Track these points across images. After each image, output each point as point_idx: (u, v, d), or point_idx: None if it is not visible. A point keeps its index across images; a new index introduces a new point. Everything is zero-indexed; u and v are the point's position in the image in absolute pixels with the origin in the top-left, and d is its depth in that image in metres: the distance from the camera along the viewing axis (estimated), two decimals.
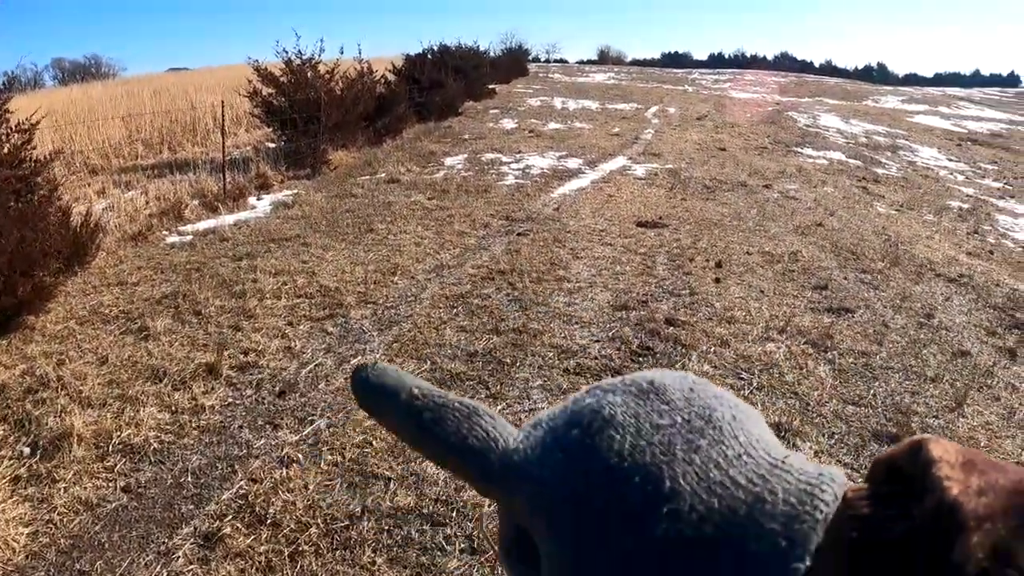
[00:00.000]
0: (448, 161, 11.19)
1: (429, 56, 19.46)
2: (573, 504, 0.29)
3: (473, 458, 0.33)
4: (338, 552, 2.63)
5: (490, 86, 24.32)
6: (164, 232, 6.87)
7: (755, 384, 3.96)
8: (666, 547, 0.26)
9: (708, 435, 0.29)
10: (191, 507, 2.90)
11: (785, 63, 74.88)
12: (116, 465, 3.17)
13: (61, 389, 3.80)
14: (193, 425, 3.47)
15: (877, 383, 4.04)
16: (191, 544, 2.68)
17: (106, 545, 2.69)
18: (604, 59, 78.31)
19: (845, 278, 5.87)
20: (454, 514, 2.83)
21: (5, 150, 4.96)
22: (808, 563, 0.25)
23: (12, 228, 4.55)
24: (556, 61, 72.72)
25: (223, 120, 9.46)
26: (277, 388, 3.83)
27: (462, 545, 2.68)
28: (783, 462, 0.28)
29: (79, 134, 11.40)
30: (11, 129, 5.09)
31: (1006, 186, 12.52)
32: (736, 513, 0.26)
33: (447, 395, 0.35)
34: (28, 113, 5.31)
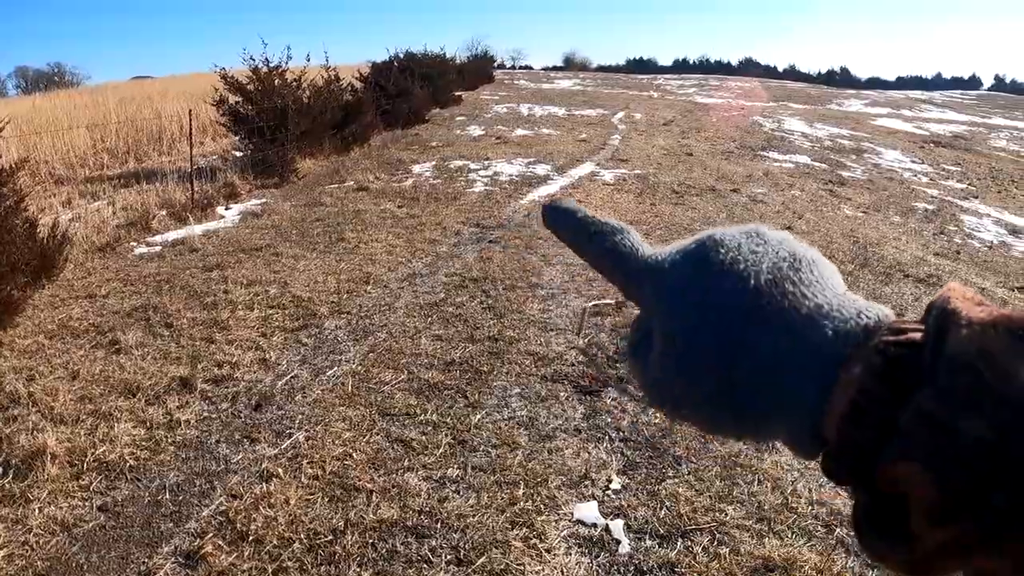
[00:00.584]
0: (416, 169, 11.16)
1: (395, 63, 19.41)
2: (686, 290, 0.40)
3: (621, 260, 0.45)
4: (323, 568, 2.61)
5: (456, 93, 24.34)
6: (132, 243, 6.76)
7: None
8: (746, 323, 0.36)
9: (790, 264, 0.38)
10: (170, 525, 2.85)
11: (749, 68, 75.80)
12: (92, 483, 3.11)
13: (32, 406, 3.72)
14: (169, 441, 3.42)
15: None
16: (172, 563, 2.64)
17: (84, 567, 2.64)
18: (570, 65, 78.72)
19: None
20: (438, 526, 2.83)
21: None
22: (848, 351, 0.33)
23: None
24: (522, 68, 72.90)
25: (190, 129, 9.36)
26: (253, 401, 3.79)
27: (448, 557, 2.67)
28: (844, 294, 0.37)
29: (44, 143, 11.20)
30: None
31: (969, 187, 12.81)
32: (799, 312, 0.36)
33: (608, 219, 0.47)
34: None
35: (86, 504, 2.98)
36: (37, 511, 2.91)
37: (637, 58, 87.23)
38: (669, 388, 0.40)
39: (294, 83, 11.13)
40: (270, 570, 2.58)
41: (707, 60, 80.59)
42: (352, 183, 9.82)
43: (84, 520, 2.88)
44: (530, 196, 9.22)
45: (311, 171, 10.71)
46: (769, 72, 74.95)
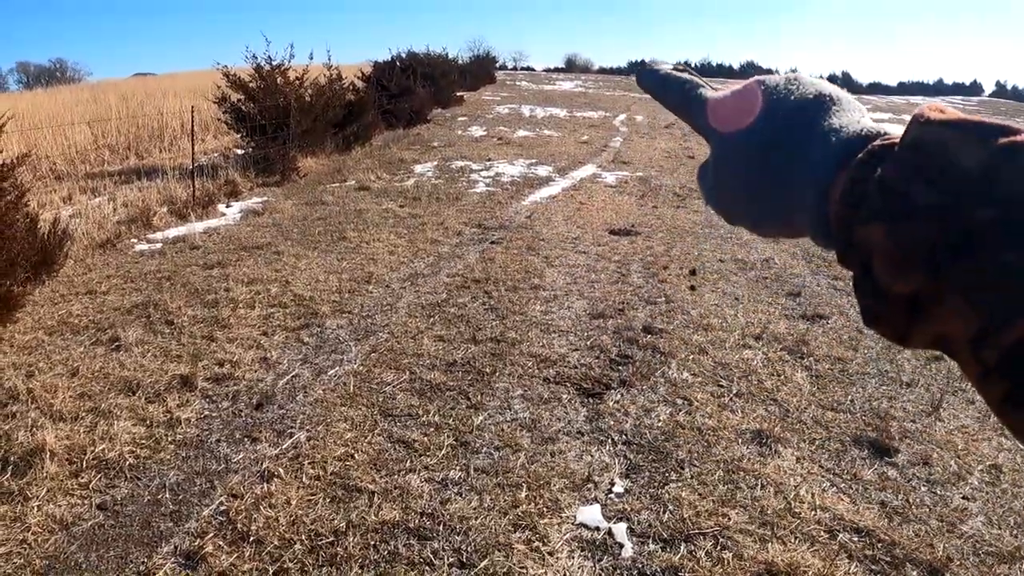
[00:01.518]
0: (418, 168, 11.15)
1: (398, 63, 19.39)
2: (737, 112, 0.48)
3: (688, 102, 0.55)
4: (324, 569, 2.58)
5: (458, 93, 24.33)
6: (133, 240, 6.74)
7: (734, 391, 3.99)
8: (776, 134, 0.45)
9: (815, 96, 0.45)
10: (170, 524, 2.83)
11: (751, 72, 75.45)
12: (91, 482, 3.09)
13: (31, 402, 3.70)
14: (169, 439, 3.39)
15: (854, 388, 4.09)
16: (172, 563, 2.61)
17: (83, 566, 2.61)
18: (571, 67, 78.53)
19: (818, 284, 5.94)
20: (441, 528, 2.80)
21: None
22: (845, 148, 0.40)
23: None
24: (523, 69, 72.69)
25: (192, 126, 9.33)
26: (254, 400, 3.77)
27: (450, 559, 2.65)
28: (858, 121, 0.43)
29: (45, 139, 11.18)
30: None
31: None
32: (816, 129, 0.43)
33: (681, 74, 0.58)
34: None
35: (85, 502, 2.96)
36: (36, 509, 2.89)
37: (639, 61, 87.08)
38: (721, 190, 0.50)
39: (296, 81, 11.11)
40: (271, 571, 2.56)
41: (709, 63, 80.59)
42: (354, 182, 9.81)
43: (83, 518, 2.86)
44: (532, 197, 9.21)
45: (313, 170, 10.69)
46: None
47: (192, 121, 9.90)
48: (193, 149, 9.16)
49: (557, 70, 73.17)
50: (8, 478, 3.08)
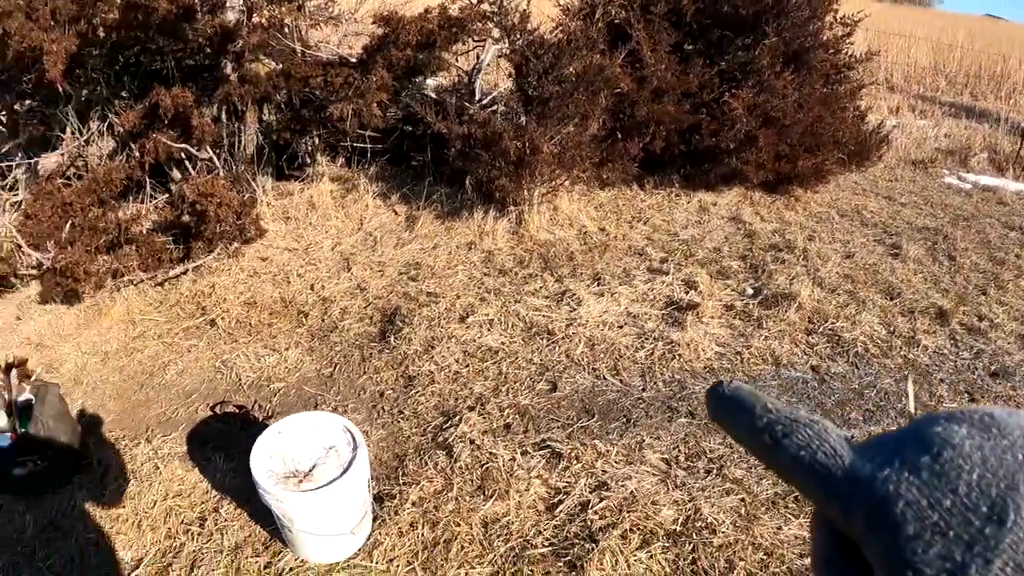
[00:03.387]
0: None
1: None
2: (919, 523, 0.31)
3: (821, 474, 0.35)
4: None
5: None
6: (944, 171, 6.63)
7: None
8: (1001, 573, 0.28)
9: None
10: (857, 416, 2.93)
11: None
12: (817, 344, 3.35)
13: (802, 258, 4.12)
14: (898, 352, 3.43)
15: None
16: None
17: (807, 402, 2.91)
18: None
19: None
20: None
21: (826, 36, 5.22)
22: None
23: (814, 105, 4.88)
24: None
25: None
26: (993, 367, 3.51)
27: None
28: None
29: (890, 49, 11.50)
30: (836, 19, 5.29)
31: None
32: None
33: (797, 410, 0.37)
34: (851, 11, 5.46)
35: (804, 356, 3.23)
36: (761, 339, 3.27)
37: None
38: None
39: None
40: None
41: None
42: None
43: (794, 366, 3.14)
44: None
45: None
46: None
47: None
48: None
49: None
50: (755, 304, 3.54)
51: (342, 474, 2.04)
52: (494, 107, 4.39)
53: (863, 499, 0.33)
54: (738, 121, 4.61)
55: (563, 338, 3.33)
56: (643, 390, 3.01)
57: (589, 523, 2.26)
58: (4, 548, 2.42)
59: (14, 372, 2.78)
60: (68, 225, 3.92)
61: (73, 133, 4.53)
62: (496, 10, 4.17)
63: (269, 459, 2.12)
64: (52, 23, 3.81)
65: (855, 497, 0.34)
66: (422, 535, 2.25)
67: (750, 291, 3.87)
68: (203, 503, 2.50)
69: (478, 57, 4.53)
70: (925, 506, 0.31)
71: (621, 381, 3.06)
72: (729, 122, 4.66)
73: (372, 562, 2.17)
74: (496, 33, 4.35)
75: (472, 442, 2.64)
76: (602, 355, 3.23)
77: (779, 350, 3.29)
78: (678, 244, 4.40)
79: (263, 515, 2.30)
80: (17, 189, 4.91)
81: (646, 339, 3.36)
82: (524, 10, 4.23)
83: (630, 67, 4.63)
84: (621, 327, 3.45)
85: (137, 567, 2.27)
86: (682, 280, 3.92)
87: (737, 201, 5.11)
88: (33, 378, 2.93)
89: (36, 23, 3.74)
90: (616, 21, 4.69)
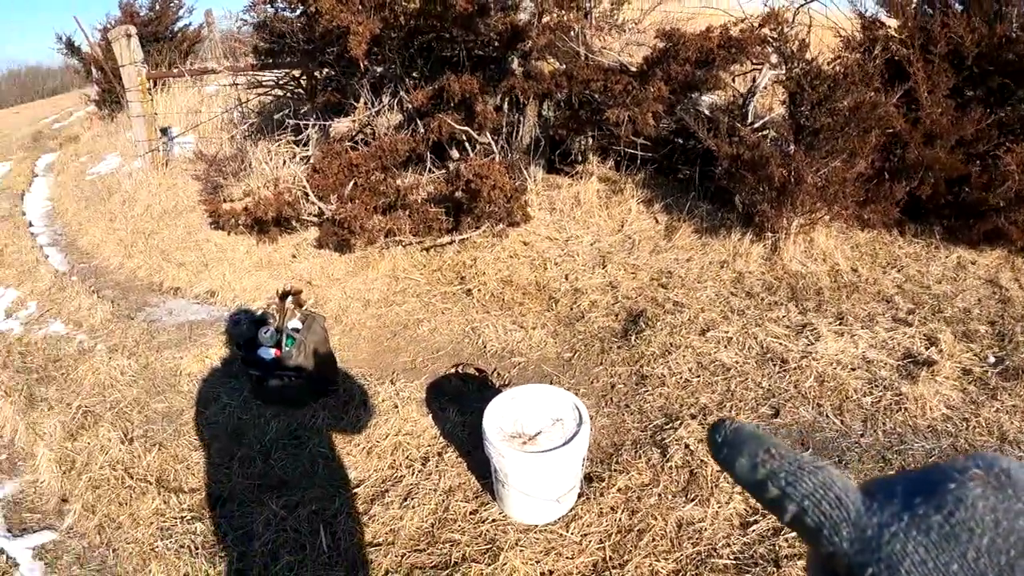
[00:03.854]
0: None
1: None
2: None
3: (825, 526, 0.34)
4: None
5: None
6: None
7: None
8: None
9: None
10: None
11: None
12: None
13: None
14: None
15: None
16: None
17: None
18: None
19: None
20: None
21: None
22: None
23: None
24: None
25: None
26: None
27: None
28: None
29: None
30: None
31: None
32: None
33: (801, 456, 0.37)
34: None
35: None
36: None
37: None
38: None
39: None
40: None
41: None
42: None
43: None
44: None
45: None
46: None
47: None
48: None
49: None
50: (994, 374, 3.36)
51: (563, 444, 2.27)
52: (764, 131, 4.41)
53: (870, 556, 0.33)
54: (1009, 177, 4.37)
55: (795, 368, 3.36)
56: (862, 435, 2.99)
57: (777, 549, 2.32)
58: (245, 444, 2.83)
59: (289, 299, 3.21)
60: (351, 184, 4.38)
61: (365, 104, 5.04)
62: (776, 36, 4.21)
63: (501, 418, 2.40)
64: (360, 7, 4.26)
65: (862, 554, 0.33)
66: (619, 520, 2.43)
67: (992, 359, 3.67)
68: (429, 446, 2.81)
69: (754, 80, 4.56)
70: (932, 568, 0.31)
71: (842, 422, 3.06)
72: (1001, 177, 4.43)
73: (567, 532, 2.36)
74: (774, 58, 4.38)
75: (687, 447, 2.78)
76: (829, 393, 3.23)
77: (1008, 425, 3.12)
78: (928, 298, 4.24)
79: (481, 468, 2.57)
80: (308, 146, 5.52)
81: (876, 386, 3.31)
82: (803, 39, 4.25)
83: (904, 107, 4.51)
84: (854, 369, 3.42)
85: (358, 487, 2.60)
86: (924, 335, 3.79)
87: (998, 263, 4.81)
88: (304, 308, 3.35)
89: (345, 6, 4.21)
90: (896, 58, 4.57)
